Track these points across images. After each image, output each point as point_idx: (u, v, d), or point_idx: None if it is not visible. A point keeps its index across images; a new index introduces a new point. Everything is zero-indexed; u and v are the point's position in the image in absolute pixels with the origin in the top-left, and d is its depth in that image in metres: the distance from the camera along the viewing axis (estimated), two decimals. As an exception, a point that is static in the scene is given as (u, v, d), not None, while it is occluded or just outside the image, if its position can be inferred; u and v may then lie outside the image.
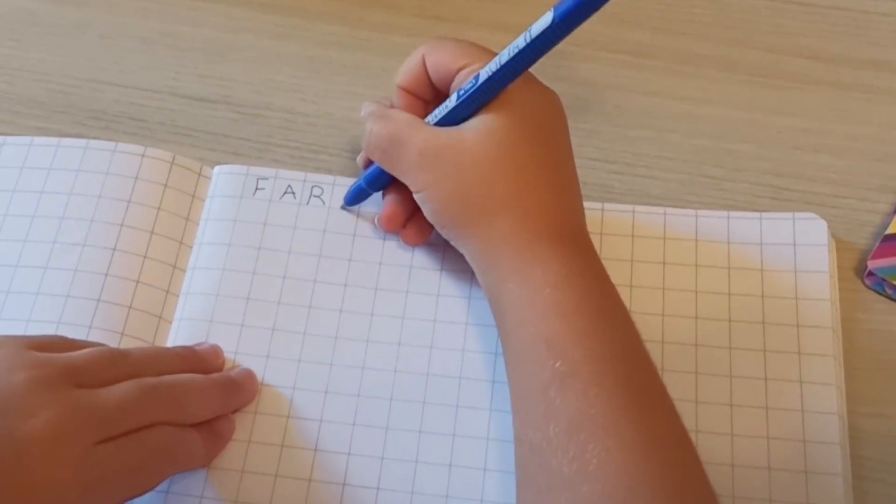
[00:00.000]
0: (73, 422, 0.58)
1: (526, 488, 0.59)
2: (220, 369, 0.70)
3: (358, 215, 0.76)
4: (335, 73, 0.85)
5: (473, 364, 0.70)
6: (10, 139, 0.79)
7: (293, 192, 0.77)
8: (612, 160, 0.80)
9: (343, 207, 0.77)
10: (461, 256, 0.71)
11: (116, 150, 0.77)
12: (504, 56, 0.64)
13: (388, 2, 0.89)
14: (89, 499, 0.58)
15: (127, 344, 0.70)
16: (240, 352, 0.71)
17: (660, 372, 0.69)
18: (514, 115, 0.67)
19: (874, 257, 0.73)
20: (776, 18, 0.88)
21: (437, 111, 0.70)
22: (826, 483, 0.65)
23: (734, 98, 0.83)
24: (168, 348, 0.71)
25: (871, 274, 0.73)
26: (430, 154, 0.68)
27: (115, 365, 0.63)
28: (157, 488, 0.64)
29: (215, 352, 0.70)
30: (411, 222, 0.73)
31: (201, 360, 0.69)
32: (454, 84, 0.69)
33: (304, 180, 0.78)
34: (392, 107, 0.73)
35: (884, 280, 0.73)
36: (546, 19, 0.61)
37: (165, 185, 0.76)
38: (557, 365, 0.59)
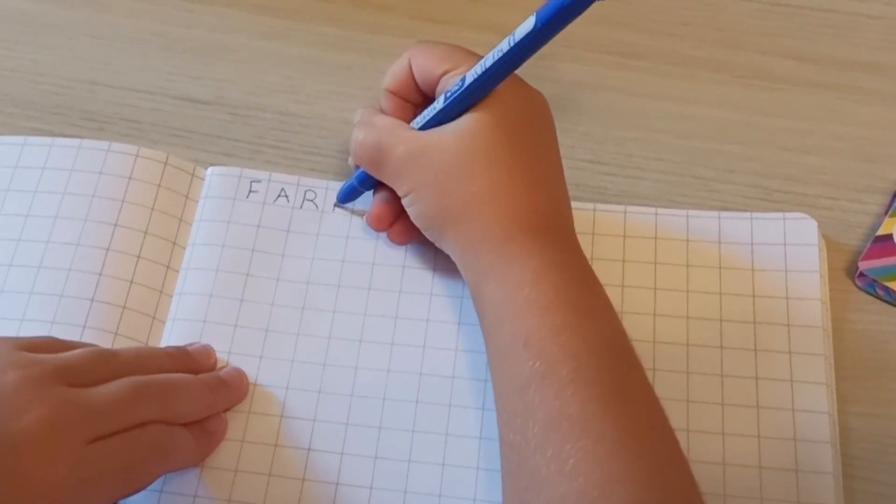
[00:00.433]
0: (64, 420, 0.58)
1: (508, 488, 0.60)
2: (211, 369, 0.70)
3: (351, 218, 0.76)
4: (328, 74, 0.85)
5: (466, 363, 0.70)
6: (3, 139, 0.79)
7: (286, 196, 0.77)
8: (603, 161, 0.80)
9: (336, 205, 0.77)
10: (452, 256, 0.71)
11: (110, 149, 0.77)
12: (488, 60, 0.65)
13: (380, 3, 0.89)
14: (82, 497, 0.58)
15: (121, 344, 0.71)
16: (233, 352, 0.71)
17: (651, 371, 0.70)
18: (494, 115, 0.67)
19: (865, 258, 0.74)
20: (766, 20, 0.88)
21: (422, 115, 0.70)
22: (817, 482, 0.66)
23: (725, 99, 0.84)
24: (159, 348, 0.71)
25: (862, 275, 0.74)
26: (412, 158, 0.69)
27: (106, 364, 0.63)
28: (151, 487, 0.65)
29: (207, 352, 0.70)
30: (399, 221, 0.74)
31: (192, 361, 0.69)
32: (438, 88, 0.70)
33: (298, 184, 0.78)
34: (380, 111, 0.73)
35: (875, 281, 0.73)
36: (529, 24, 0.62)
37: (159, 186, 0.76)
38: (535, 365, 0.60)
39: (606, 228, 0.75)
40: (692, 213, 0.76)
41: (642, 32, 0.88)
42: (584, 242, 0.72)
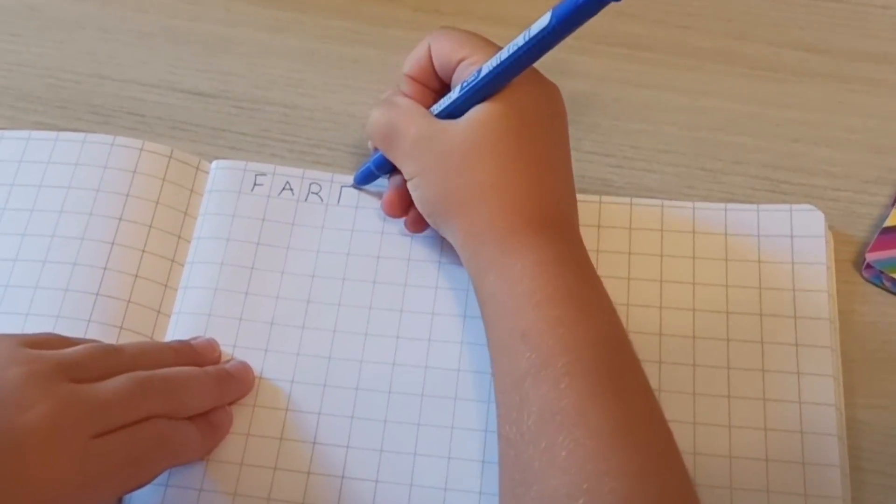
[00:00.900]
0: (68, 415, 0.58)
1: (504, 482, 0.60)
2: (216, 363, 0.70)
3: (356, 212, 0.76)
4: (334, 67, 0.85)
5: (471, 356, 0.70)
6: (8, 133, 0.79)
7: (291, 189, 0.77)
8: (610, 153, 0.80)
9: (353, 186, 0.77)
10: (458, 249, 0.71)
11: (115, 143, 0.77)
12: (503, 54, 0.65)
13: (386, -5, 0.90)
14: (87, 492, 0.58)
15: (126, 338, 0.71)
16: (238, 345, 0.71)
17: (657, 364, 0.69)
18: (506, 106, 0.67)
19: (872, 250, 0.73)
20: (775, 11, 0.88)
21: (441, 102, 0.70)
22: (824, 474, 0.65)
23: (733, 91, 0.83)
24: (163, 343, 0.71)
25: (869, 266, 0.73)
26: (423, 141, 0.68)
27: (110, 360, 0.63)
28: (157, 481, 0.65)
29: (211, 346, 0.70)
30: (414, 209, 0.73)
31: (197, 355, 0.69)
32: (455, 76, 0.70)
33: (303, 177, 0.78)
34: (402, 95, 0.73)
35: (882, 272, 0.73)
36: (544, 20, 0.62)
37: (164, 180, 0.76)
38: (531, 357, 0.60)
39: (613, 220, 0.75)
40: (699, 204, 0.76)
41: (650, 24, 0.88)
42: (590, 234, 0.73)
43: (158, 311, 0.73)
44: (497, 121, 0.67)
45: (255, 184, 0.77)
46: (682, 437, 0.66)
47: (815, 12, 0.88)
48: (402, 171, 0.71)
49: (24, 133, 0.79)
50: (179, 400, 0.64)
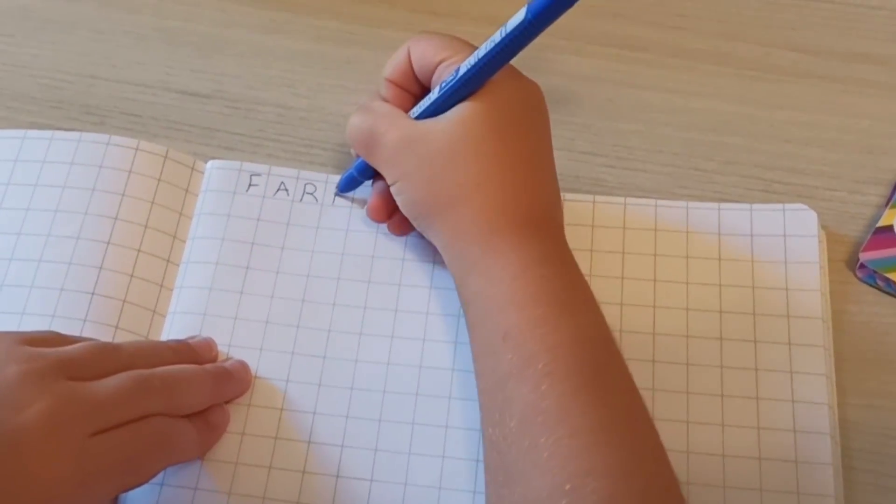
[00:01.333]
0: (66, 413, 0.58)
1: (488, 484, 0.60)
2: (213, 362, 0.70)
3: (350, 211, 0.77)
4: (328, 68, 0.86)
5: (465, 356, 0.70)
6: (3, 132, 0.79)
7: (286, 189, 0.77)
8: (603, 153, 0.80)
9: (336, 194, 0.77)
10: (452, 249, 0.71)
11: (110, 143, 0.77)
12: (481, 51, 0.65)
13: (381, -4, 0.90)
14: (85, 490, 0.58)
15: (121, 337, 0.71)
16: (233, 345, 0.71)
17: (651, 363, 0.70)
18: (487, 106, 0.67)
19: (866, 249, 0.74)
20: (767, 12, 0.88)
21: (419, 104, 0.70)
22: (816, 472, 0.66)
23: (725, 91, 0.84)
24: (161, 342, 0.71)
25: (862, 266, 0.74)
26: (402, 146, 0.68)
27: (108, 358, 0.64)
28: (153, 480, 0.65)
29: (208, 345, 0.70)
30: (398, 213, 0.74)
31: (194, 354, 0.69)
32: (434, 77, 0.70)
33: (298, 177, 0.78)
34: (381, 99, 0.73)
35: (875, 272, 0.73)
36: (519, 16, 0.62)
37: (159, 180, 0.77)
38: (512, 358, 0.60)
39: (606, 220, 0.75)
40: (692, 204, 0.76)
41: (643, 24, 0.88)
42: (583, 234, 0.73)
43: (154, 311, 0.73)
44: (479, 119, 0.66)
45: (250, 184, 0.77)
46: (676, 436, 0.67)
47: (807, 13, 0.88)
48: (385, 176, 0.71)
49: (19, 132, 0.79)
50: (177, 398, 0.65)
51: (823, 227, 0.75)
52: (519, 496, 0.56)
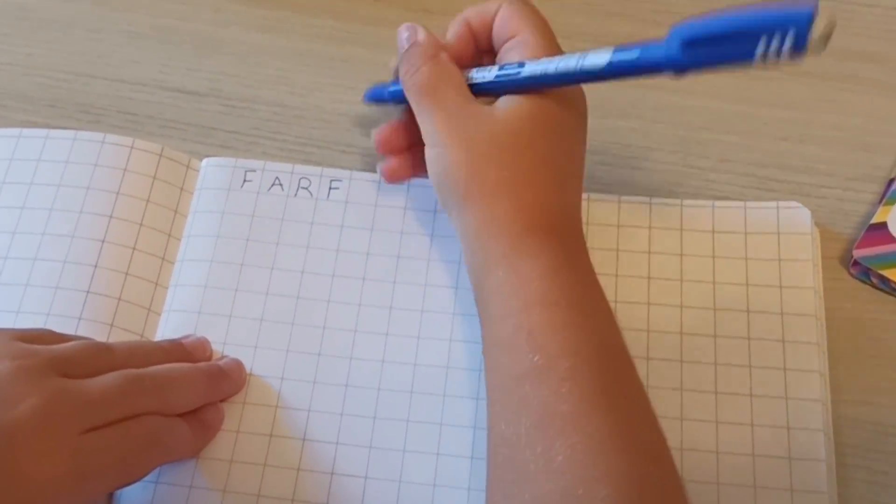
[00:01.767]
0: (58, 410, 0.58)
1: (493, 479, 0.60)
2: (207, 361, 0.70)
3: (345, 207, 0.77)
4: (323, 66, 0.86)
5: (460, 353, 0.70)
6: (-2, 131, 0.80)
7: (281, 184, 0.77)
8: (599, 151, 0.80)
9: (364, 101, 0.78)
10: (448, 246, 0.71)
11: (105, 141, 0.78)
12: (549, 68, 0.65)
13: (376, -5, 0.90)
14: (77, 486, 0.58)
15: (117, 335, 0.71)
16: (228, 342, 0.71)
17: (645, 361, 0.70)
18: (542, 108, 0.67)
19: (859, 246, 0.74)
20: (762, 10, 0.88)
21: (478, 73, 0.69)
22: (810, 469, 0.66)
23: (721, 89, 0.84)
24: (154, 342, 0.71)
25: (856, 263, 0.74)
26: (456, 118, 0.68)
27: (101, 357, 0.64)
28: (147, 479, 0.65)
29: (202, 345, 0.71)
30: (403, 156, 0.74)
31: (187, 354, 0.69)
32: (501, 52, 0.70)
33: (292, 172, 0.78)
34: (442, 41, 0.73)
35: (869, 269, 0.73)
36: (601, 59, 0.62)
37: (154, 178, 0.77)
38: (535, 358, 0.59)
39: (600, 217, 0.76)
40: (686, 202, 0.76)
41: (638, 22, 0.88)
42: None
43: (149, 309, 0.73)
44: (534, 119, 0.67)
45: (244, 180, 0.77)
46: (670, 433, 0.66)
47: (802, 11, 0.88)
48: (425, 135, 0.69)
49: (14, 131, 0.79)
50: (170, 397, 0.65)
51: (817, 224, 0.75)
52: (529, 497, 0.56)
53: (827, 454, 0.66)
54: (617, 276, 0.73)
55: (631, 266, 0.74)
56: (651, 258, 0.74)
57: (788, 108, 0.83)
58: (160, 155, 0.78)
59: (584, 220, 0.74)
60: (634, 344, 0.70)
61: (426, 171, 0.70)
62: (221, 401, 0.69)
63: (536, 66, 0.66)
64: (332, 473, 0.67)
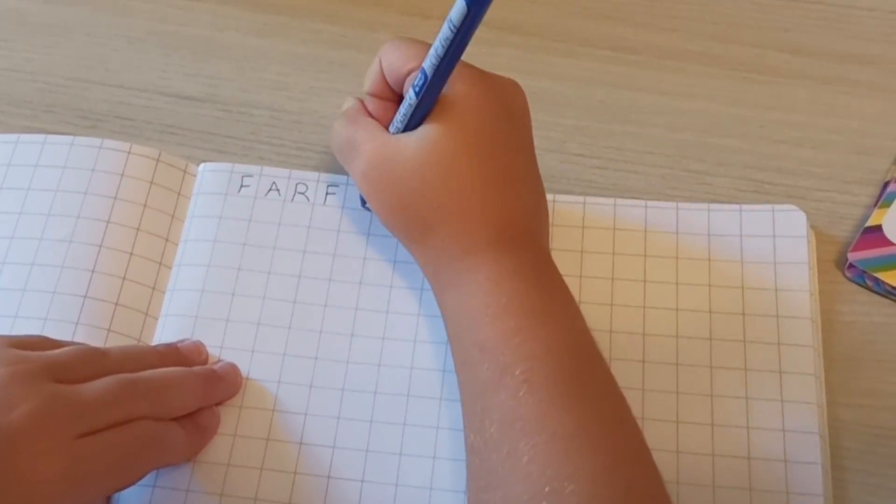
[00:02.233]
0: (53, 414, 0.58)
1: (471, 489, 0.60)
2: (203, 365, 0.70)
3: (342, 212, 0.77)
4: (321, 71, 0.86)
5: (456, 357, 0.71)
6: (-4, 136, 0.80)
7: (278, 189, 0.77)
8: (595, 155, 0.80)
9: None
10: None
11: (102, 146, 0.78)
12: (436, 45, 0.63)
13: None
14: (73, 491, 0.58)
15: (114, 340, 0.71)
16: (225, 346, 0.72)
17: (641, 364, 0.70)
18: (456, 122, 0.66)
19: (854, 249, 0.74)
20: (759, 13, 0.88)
21: (395, 118, 0.69)
22: (805, 472, 0.66)
23: (717, 93, 0.84)
24: (149, 346, 0.71)
25: (851, 266, 0.74)
26: (375, 164, 0.68)
27: (95, 362, 0.64)
28: (144, 482, 0.65)
29: (197, 348, 0.71)
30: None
31: (183, 358, 0.70)
32: (405, 86, 0.69)
33: (289, 177, 0.78)
34: (366, 111, 0.73)
35: (864, 272, 0.73)
36: (460, 6, 0.61)
37: (151, 182, 0.77)
38: (490, 368, 0.60)
39: (596, 221, 0.76)
40: (682, 205, 0.76)
41: (635, 26, 0.88)
42: (574, 235, 0.73)
43: (146, 314, 0.73)
44: (447, 139, 0.66)
45: (241, 185, 0.77)
46: (666, 436, 0.67)
47: (798, 15, 0.88)
48: (361, 191, 0.71)
49: (12, 137, 0.79)
50: (165, 401, 0.65)
51: (813, 227, 0.75)
52: (500, 500, 0.56)
53: (822, 457, 0.67)
54: (613, 279, 0.73)
55: (627, 269, 0.74)
56: (647, 261, 0.74)
57: (784, 111, 0.83)
58: (157, 160, 0.78)
59: (580, 224, 0.75)
60: (629, 347, 0.71)
61: None
62: (217, 404, 0.69)
63: (428, 60, 0.64)
64: (328, 477, 0.67)
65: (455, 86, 0.67)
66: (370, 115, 0.72)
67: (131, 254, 0.74)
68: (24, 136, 0.79)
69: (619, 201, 0.76)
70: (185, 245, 0.75)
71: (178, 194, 0.77)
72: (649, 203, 0.76)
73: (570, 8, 0.88)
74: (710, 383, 0.69)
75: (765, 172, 0.79)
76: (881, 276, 0.73)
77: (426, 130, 0.67)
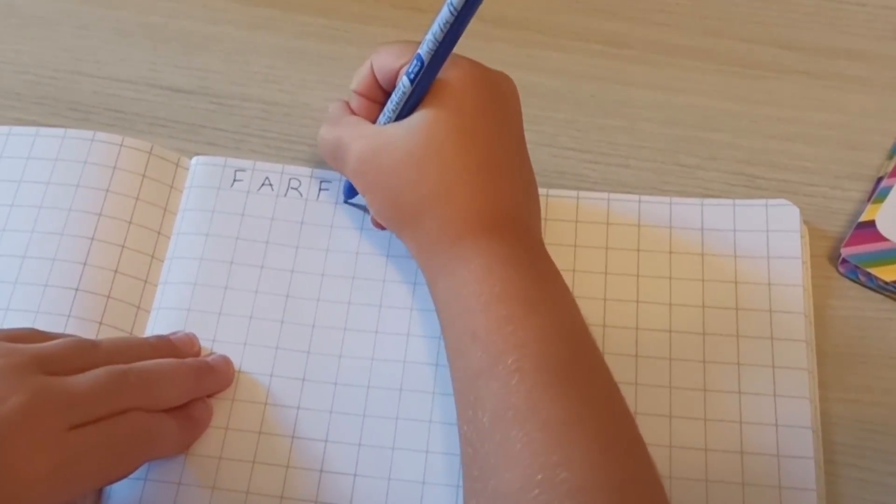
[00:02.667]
0: (43, 406, 0.58)
1: (465, 478, 0.60)
2: (195, 357, 0.70)
3: (335, 207, 0.77)
4: (312, 64, 0.86)
5: (449, 351, 0.71)
6: (-14, 129, 0.79)
7: (271, 184, 0.77)
8: (587, 149, 0.81)
9: (346, 202, 0.77)
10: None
11: (94, 139, 0.78)
12: (433, 28, 0.64)
13: (365, -8, 0.90)
14: (64, 483, 0.58)
15: (105, 333, 0.71)
16: (217, 340, 0.71)
17: (634, 358, 0.70)
18: (447, 110, 0.67)
19: (847, 244, 0.74)
20: (751, 8, 0.89)
21: (385, 110, 0.70)
22: (798, 466, 0.66)
23: (709, 87, 0.84)
24: (140, 338, 0.71)
25: (844, 261, 0.74)
26: (366, 158, 0.69)
27: (85, 354, 0.64)
28: (136, 475, 0.65)
29: (190, 340, 0.71)
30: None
31: (175, 349, 0.69)
32: (396, 82, 0.69)
33: (282, 172, 0.78)
34: (350, 111, 0.73)
35: (857, 267, 0.74)
36: None
37: (143, 175, 0.77)
38: (482, 356, 0.60)
39: (589, 216, 0.76)
40: (675, 200, 0.76)
41: (626, 21, 0.88)
42: (566, 230, 0.73)
43: (138, 307, 0.73)
44: (438, 127, 0.66)
45: (234, 179, 0.77)
46: (659, 431, 0.67)
47: (790, 10, 0.88)
48: (356, 187, 0.72)
49: (3, 129, 0.79)
50: (156, 393, 0.65)
51: (806, 222, 0.75)
52: (492, 489, 0.56)
53: (815, 451, 0.67)
54: (606, 273, 0.73)
55: (620, 264, 0.74)
56: (640, 256, 0.74)
57: (776, 105, 0.83)
58: (150, 153, 0.78)
59: (573, 218, 0.75)
60: (623, 342, 0.71)
61: None
62: (210, 397, 0.69)
63: (424, 45, 0.65)
64: (321, 471, 0.67)
65: (448, 72, 0.67)
66: (354, 113, 0.73)
67: (123, 247, 0.74)
68: (16, 129, 0.79)
69: (613, 196, 0.77)
70: (178, 238, 0.75)
71: (171, 187, 0.77)
72: (643, 197, 0.76)
73: (562, 2, 0.88)
74: (703, 378, 0.69)
75: (757, 167, 0.79)
76: (874, 271, 0.73)
77: (419, 116, 0.67)
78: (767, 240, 0.74)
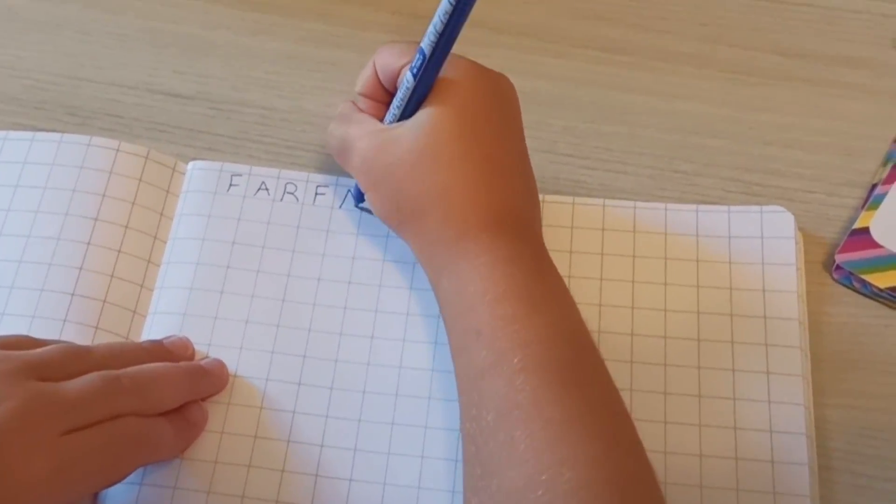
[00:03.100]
0: (37, 412, 0.58)
1: (467, 476, 0.60)
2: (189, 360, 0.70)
3: (331, 212, 0.77)
4: (312, 70, 0.86)
5: (445, 356, 0.70)
6: (-16, 134, 0.80)
7: (267, 189, 0.78)
8: (584, 155, 0.81)
9: (358, 207, 0.77)
10: (431, 250, 0.72)
11: (91, 144, 0.78)
12: (437, 24, 0.64)
13: (365, -1, 0.90)
14: (60, 488, 0.58)
15: (101, 338, 0.71)
16: (213, 344, 0.71)
17: (629, 364, 0.70)
18: (450, 109, 0.67)
19: (842, 251, 0.74)
20: (749, 15, 0.89)
21: (390, 109, 0.71)
22: (792, 472, 0.66)
23: (707, 94, 0.84)
24: (134, 343, 0.71)
25: (838, 268, 0.74)
26: (370, 157, 0.69)
27: (79, 360, 0.64)
28: (131, 480, 0.65)
29: (183, 344, 0.71)
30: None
31: (169, 354, 0.69)
32: (399, 81, 0.70)
33: (278, 177, 0.78)
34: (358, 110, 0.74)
35: (851, 274, 0.74)
36: None
37: (140, 180, 0.77)
38: (486, 355, 0.60)
39: (585, 221, 0.76)
40: (671, 206, 0.76)
41: (626, 28, 0.88)
42: (563, 235, 0.73)
43: (134, 312, 0.73)
44: (442, 125, 0.67)
45: (230, 184, 0.77)
46: (653, 436, 0.67)
47: (788, 17, 0.88)
48: (360, 185, 0.72)
49: (0, 133, 0.79)
50: (150, 396, 0.65)
51: (801, 228, 0.75)
52: (496, 488, 0.56)
53: (810, 457, 0.67)
54: (601, 279, 0.73)
55: (616, 270, 0.74)
56: (636, 262, 0.74)
57: (774, 112, 0.83)
58: (146, 158, 0.78)
59: (569, 224, 0.75)
60: (618, 348, 0.71)
61: None
62: (205, 400, 0.69)
63: (426, 38, 0.65)
64: (316, 475, 0.67)
65: (449, 72, 0.68)
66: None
67: (119, 251, 0.74)
68: (13, 133, 0.79)
69: (609, 202, 0.77)
70: (174, 243, 0.75)
71: (167, 192, 0.77)
72: (638, 204, 0.76)
73: (561, 9, 0.88)
74: (697, 384, 0.69)
75: (753, 174, 0.79)
76: (868, 277, 0.73)
77: (423, 115, 0.68)
78: (762, 246, 0.74)
